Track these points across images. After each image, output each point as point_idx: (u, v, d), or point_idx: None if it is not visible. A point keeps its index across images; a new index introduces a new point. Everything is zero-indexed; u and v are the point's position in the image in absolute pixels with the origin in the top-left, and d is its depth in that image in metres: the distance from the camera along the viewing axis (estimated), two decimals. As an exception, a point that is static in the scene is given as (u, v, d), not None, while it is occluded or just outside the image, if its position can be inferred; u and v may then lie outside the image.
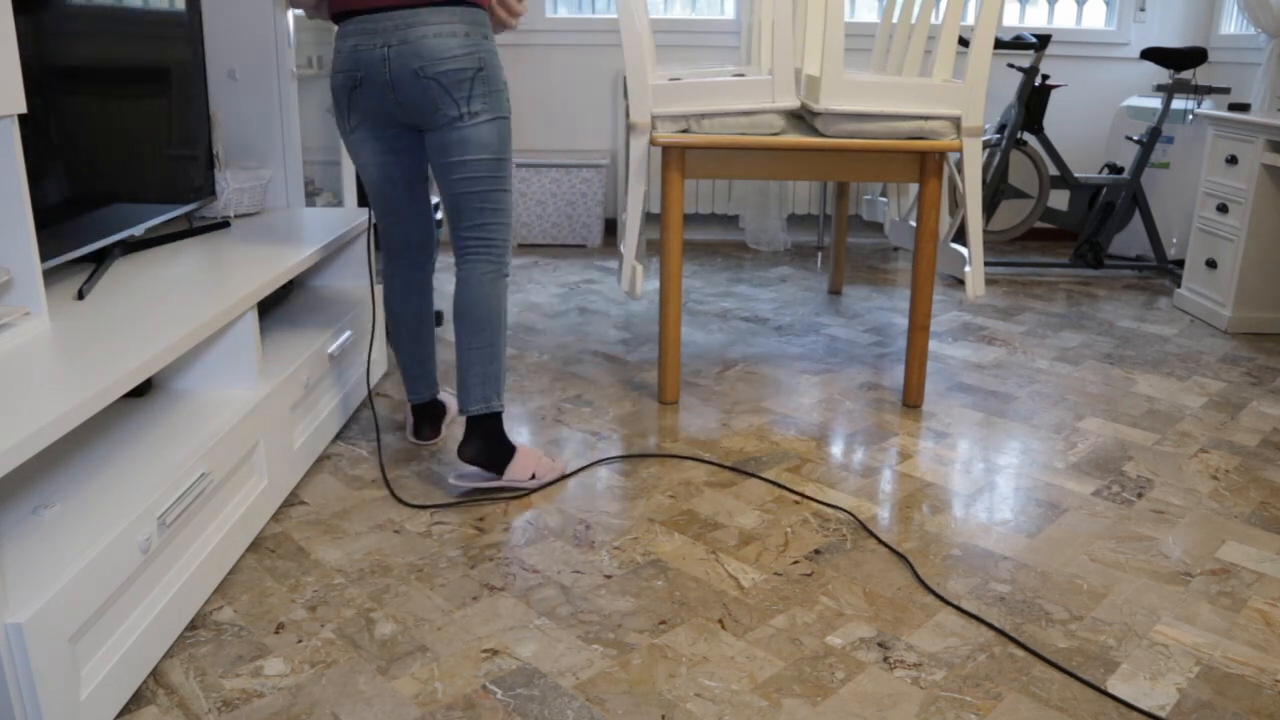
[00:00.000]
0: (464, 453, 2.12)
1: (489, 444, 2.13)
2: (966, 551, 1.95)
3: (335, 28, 2.83)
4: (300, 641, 1.63)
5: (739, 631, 1.68)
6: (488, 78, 2.00)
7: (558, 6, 4.67)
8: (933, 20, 4.13)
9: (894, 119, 2.46)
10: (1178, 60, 3.93)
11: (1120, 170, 4.27)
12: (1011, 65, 4.08)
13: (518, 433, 2.48)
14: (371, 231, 2.40)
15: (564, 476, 2.23)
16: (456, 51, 1.95)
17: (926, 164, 2.53)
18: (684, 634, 1.67)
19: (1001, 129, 4.06)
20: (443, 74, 1.95)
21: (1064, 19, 4.71)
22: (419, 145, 2.13)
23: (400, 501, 2.11)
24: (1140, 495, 2.20)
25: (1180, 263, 4.07)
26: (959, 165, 2.90)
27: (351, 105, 2.04)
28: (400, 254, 2.26)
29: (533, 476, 2.17)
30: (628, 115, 2.59)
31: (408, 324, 2.30)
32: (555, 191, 4.51)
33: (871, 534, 2.01)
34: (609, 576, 1.84)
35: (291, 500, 2.11)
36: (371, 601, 1.75)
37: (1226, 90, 3.88)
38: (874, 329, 3.39)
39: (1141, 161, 4.05)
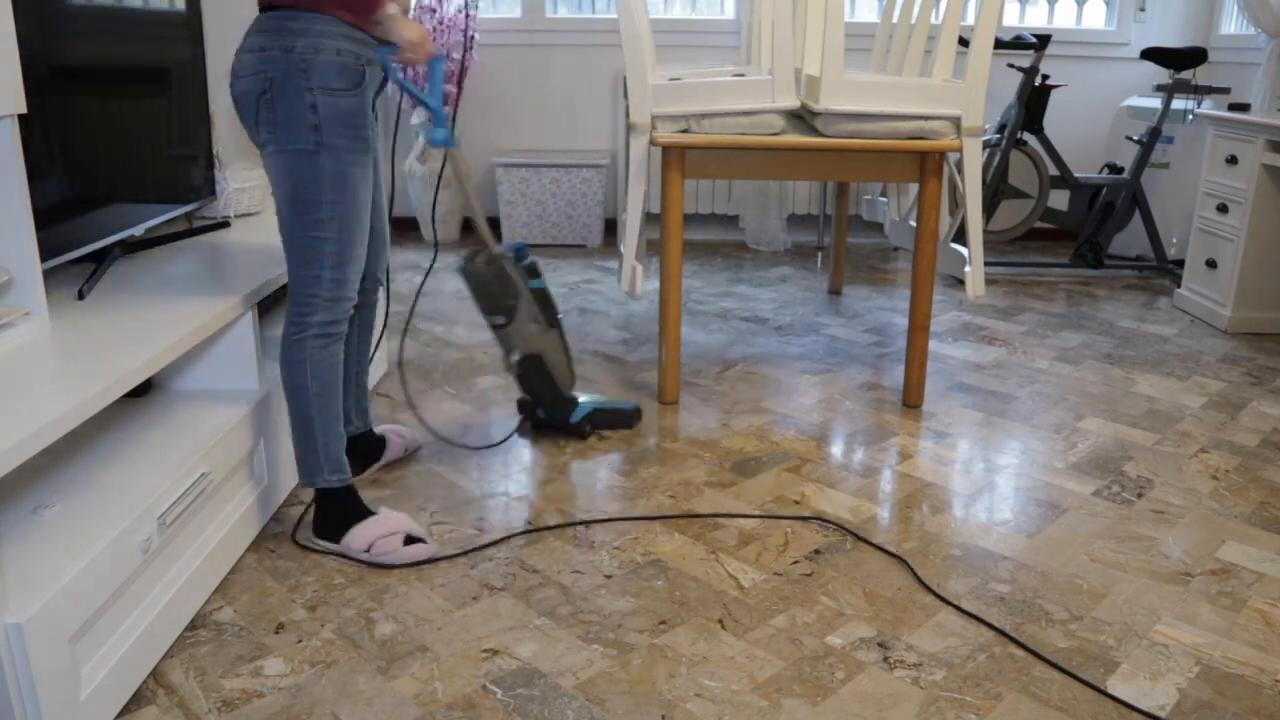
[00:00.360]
0: (314, 527, 1.93)
1: (328, 516, 1.90)
2: (966, 551, 1.95)
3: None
4: (300, 641, 1.63)
5: (739, 631, 1.68)
6: (273, 100, 1.71)
7: (558, 6, 4.67)
8: (933, 20, 4.13)
9: (894, 119, 2.46)
10: (1178, 60, 3.93)
11: (1120, 170, 4.27)
12: (1011, 65, 4.08)
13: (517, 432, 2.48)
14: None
15: (419, 563, 1.89)
16: (245, 71, 1.73)
17: (926, 164, 2.53)
18: (684, 634, 1.67)
19: (1001, 129, 4.06)
20: (236, 95, 1.76)
21: (1064, 19, 4.71)
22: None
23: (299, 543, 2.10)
24: (1140, 495, 2.20)
25: (1180, 263, 4.07)
26: (959, 165, 2.90)
27: None
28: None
29: (368, 549, 1.87)
30: (628, 115, 2.59)
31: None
32: (555, 191, 4.51)
33: (865, 540, 2.01)
34: (609, 576, 1.84)
35: (291, 500, 2.11)
36: (371, 601, 1.75)
37: (1226, 90, 3.88)
38: (874, 329, 3.39)
39: (1141, 161, 4.05)
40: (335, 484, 1.88)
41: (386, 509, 1.94)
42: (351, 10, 1.73)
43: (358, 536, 1.87)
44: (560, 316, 2.36)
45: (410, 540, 1.88)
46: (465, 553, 1.91)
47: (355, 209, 1.80)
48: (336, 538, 1.89)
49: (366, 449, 2.22)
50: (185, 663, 1.57)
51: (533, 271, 2.30)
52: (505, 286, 2.25)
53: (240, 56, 1.74)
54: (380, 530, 1.87)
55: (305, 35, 1.69)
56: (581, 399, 2.47)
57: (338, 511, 1.90)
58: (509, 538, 1.97)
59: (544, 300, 2.32)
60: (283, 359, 1.83)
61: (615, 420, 2.49)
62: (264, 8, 1.74)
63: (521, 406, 2.49)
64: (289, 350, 1.83)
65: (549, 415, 2.43)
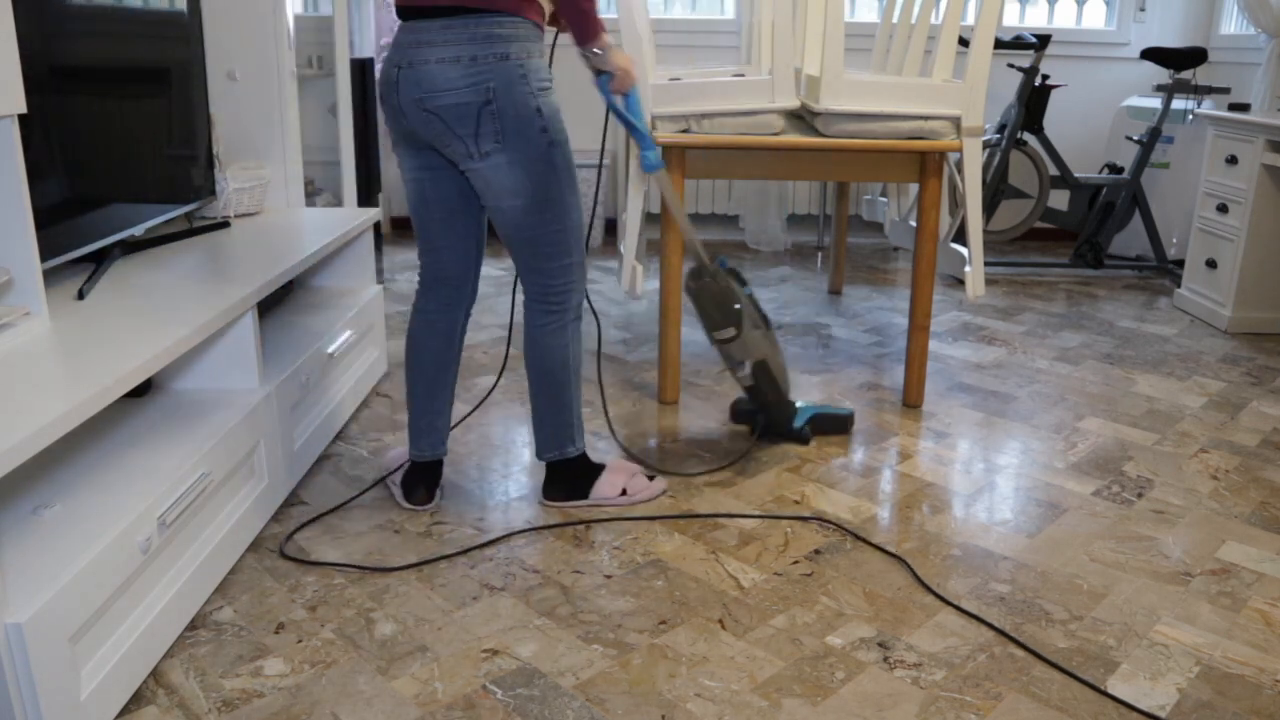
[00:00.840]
0: (549, 494, 2.09)
1: (571, 483, 2.08)
2: (966, 551, 1.95)
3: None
4: (300, 641, 1.63)
5: (739, 631, 1.68)
6: (499, 110, 1.71)
7: (558, 6, 4.67)
8: (933, 20, 4.13)
9: (894, 119, 2.46)
10: (1178, 60, 3.93)
11: (1120, 170, 4.27)
12: (1011, 65, 4.08)
13: (516, 432, 2.48)
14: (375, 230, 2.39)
15: (655, 496, 2.13)
16: (457, 82, 1.69)
17: (926, 164, 2.53)
18: (684, 634, 1.67)
19: (1001, 129, 4.06)
20: (443, 108, 1.72)
21: (1064, 19, 4.71)
22: (444, 166, 1.89)
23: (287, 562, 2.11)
24: (1140, 495, 2.20)
25: (1180, 263, 4.07)
26: (959, 165, 2.90)
27: (386, 118, 1.85)
28: (431, 289, 2.00)
29: (623, 492, 2.09)
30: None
31: (424, 369, 2.02)
32: (555, 191, 4.50)
33: (865, 540, 2.01)
34: (609, 576, 1.84)
35: (291, 500, 2.11)
36: (371, 601, 1.75)
37: (1226, 90, 3.88)
38: (874, 329, 3.39)
39: (1141, 161, 4.05)
40: (576, 452, 2.05)
41: (611, 458, 2.19)
42: (575, 38, 1.85)
43: (608, 485, 2.08)
44: (769, 317, 2.35)
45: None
46: (465, 552, 1.91)
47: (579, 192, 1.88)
48: (586, 493, 2.07)
49: (433, 476, 2.09)
50: (185, 663, 1.57)
51: (739, 278, 2.30)
52: (729, 298, 2.23)
53: (436, 68, 1.68)
54: (624, 475, 2.09)
55: (515, 40, 1.72)
56: (799, 404, 2.47)
57: (581, 471, 2.07)
58: (509, 537, 1.97)
59: (755, 304, 2.32)
60: (541, 348, 1.94)
61: (833, 425, 2.48)
62: (447, 11, 1.68)
63: (739, 416, 2.51)
64: (549, 339, 1.93)
65: (770, 421, 2.42)
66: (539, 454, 2.06)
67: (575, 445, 2.04)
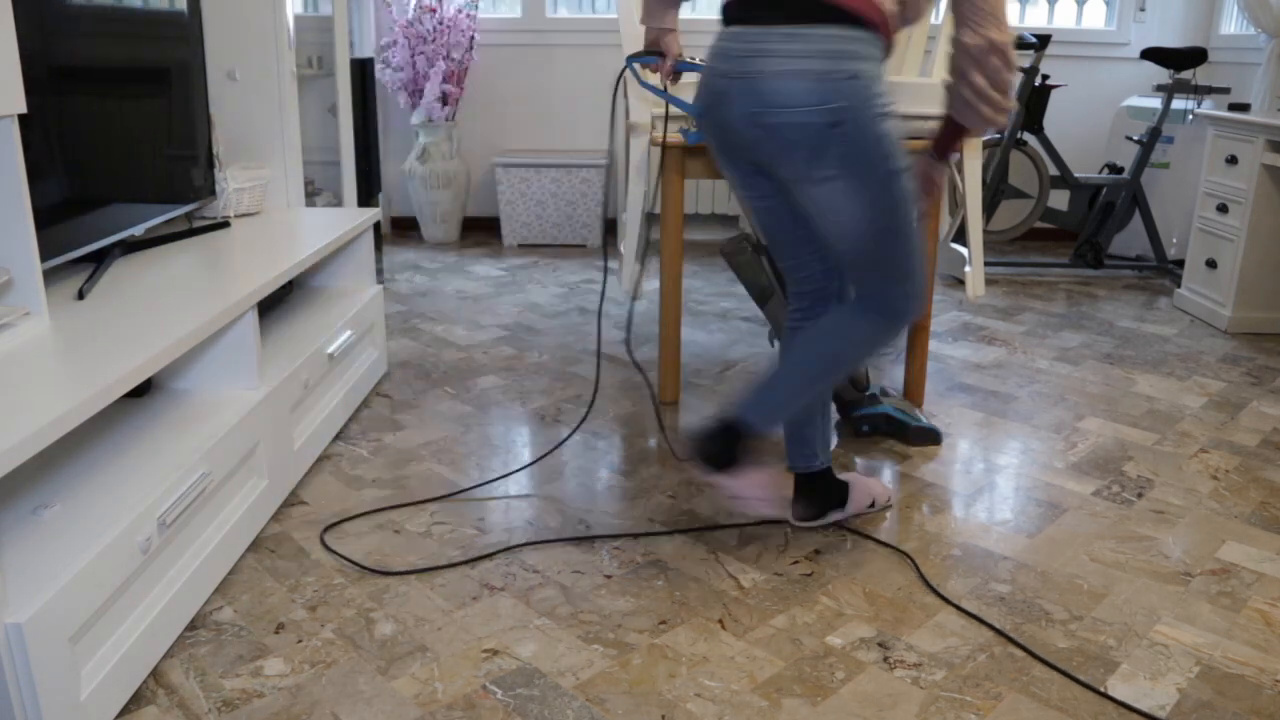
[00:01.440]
0: (795, 513, 1.99)
1: (821, 495, 1.98)
2: (966, 551, 1.95)
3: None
4: (300, 641, 1.63)
5: (739, 631, 1.68)
6: (849, 134, 1.55)
7: (558, 6, 4.67)
8: (933, 20, 4.13)
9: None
10: (1178, 60, 3.93)
11: (1120, 170, 4.27)
12: (1011, 65, 4.07)
13: (516, 432, 2.48)
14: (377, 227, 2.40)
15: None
16: (807, 99, 1.53)
17: (926, 164, 2.53)
18: (684, 634, 1.67)
19: (1001, 129, 4.06)
20: (782, 126, 1.57)
21: (1064, 19, 4.71)
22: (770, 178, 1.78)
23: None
24: (1140, 495, 2.20)
25: (1180, 263, 4.07)
26: (959, 165, 2.90)
27: (704, 133, 1.73)
28: (799, 301, 1.91)
29: (872, 504, 2.05)
30: (628, 115, 2.59)
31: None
32: (555, 191, 4.51)
33: (865, 539, 2.01)
34: (609, 576, 1.84)
35: (291, 500, 2.11)
36: (371, 601, 1.75)
37: (1226, 90, 3.88)
38: (874, 329, 3.39)
39: (1141, 161, 4.05)
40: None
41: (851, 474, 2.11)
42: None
43: (861, 494, 2.03)
44: None
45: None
46: (468, 558, 1.91)
47: None
48: (843, 505, 2.00)
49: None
50: (185, 663, 1.57)
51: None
52: (754, 275, 2.37)
53: (779, 82, 1.54)
54: (868, 484, 2.05)
55: (865, 59, 1.55)
56: (884, 401, 2.48)
57: (833, 484, 2.00)
58: (509, 537, 1.97)
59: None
60: (843, 358, 1.78)
61: (899, 432, 2.45)
62: (794, 19, 1.52)
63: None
64: (856, 350, 1.77)
65: (836, 400, 2.47)
66: (793, 463, 1.95)
67: (830, 456, 1.95)
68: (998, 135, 4.06)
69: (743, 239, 2.38)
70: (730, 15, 1.62)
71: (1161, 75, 4.68)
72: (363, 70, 3.70)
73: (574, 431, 2.45)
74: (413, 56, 4.36)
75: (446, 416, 2.57)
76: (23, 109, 1.55)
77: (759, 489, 1.82)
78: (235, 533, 1.81)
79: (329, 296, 2.66)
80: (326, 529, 1.98)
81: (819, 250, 1.84)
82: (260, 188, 2.70)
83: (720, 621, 1.71)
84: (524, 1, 4.60)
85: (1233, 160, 3.38)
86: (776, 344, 2.51)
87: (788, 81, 1.53)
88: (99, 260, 2.10)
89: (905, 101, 2.46)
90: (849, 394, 2.46)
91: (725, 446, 1.79)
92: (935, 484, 2.24)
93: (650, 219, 4.09)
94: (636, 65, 1.96)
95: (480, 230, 4.93)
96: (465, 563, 1.88)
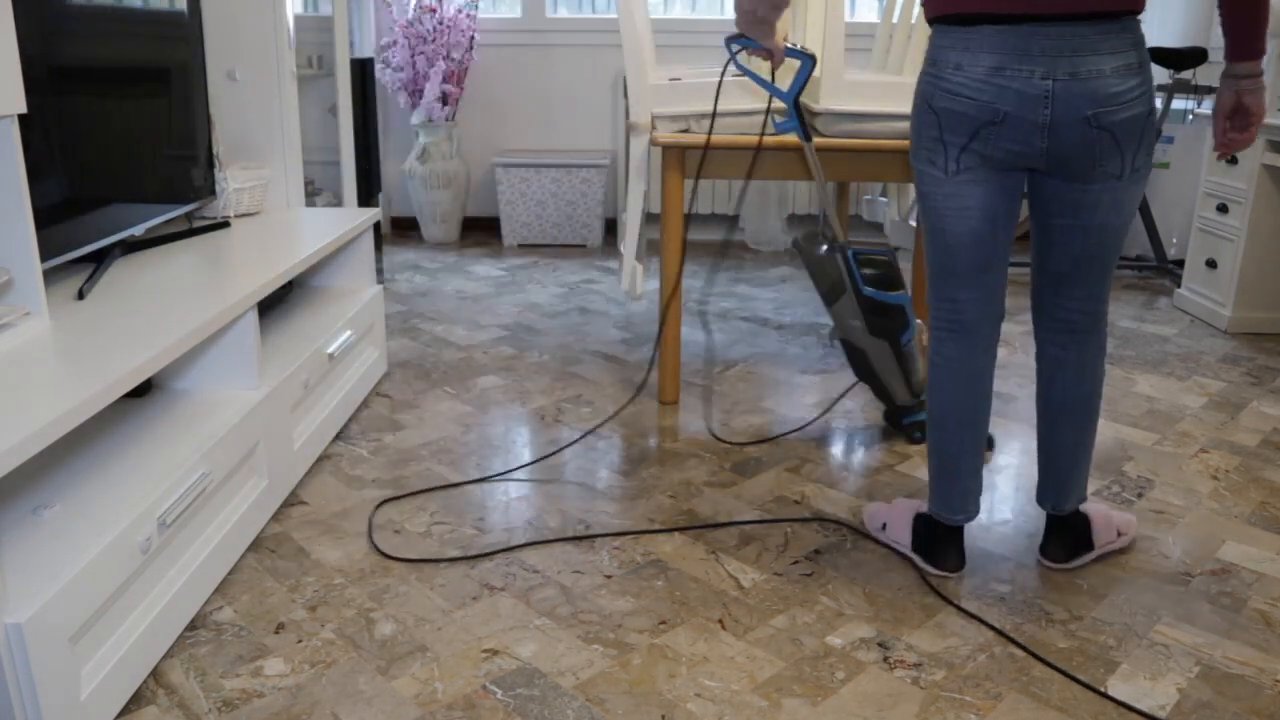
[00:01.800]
0: (1054, 555, 1.88)
1: (1078, 533, 1.89)
2: (966, 551, 1.94)
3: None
4: (300, 641, 1.63)
5: (739, 631, 1.68)
6: (1155, 121, 1.59)
7: (558, 6, 4.67)
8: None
9: (894, 119, 2.46)
10: (1178, 60, 3.93)
11: (1120, 170, 4.26)
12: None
13: (516, 432, 2.48)
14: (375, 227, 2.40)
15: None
16: (1136, 93, 1.54)
17: (926, 164, 2.53)
18: (684, 634, 1.67)
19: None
20: (1119, 124, 1.54)
21: (1064, 19, 4.70)
22: (1022, 187, 1.71)
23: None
24: (1140, 495, 2.20)
25: (1180, 263, 4.07)
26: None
27: (974, 143, 1.61)
28: (975, 330, 1.79)
29: (1119, 534, 1.93)
30: (628, 115, 2.59)
31: (967, 420, 1.80)
32: (555, 191, 4.51)
33: (866, 539, 2.01)
34: (609, 576, 1.84)
35: (291, 500, 2.11)
36: (371, 601, 1.75)
37: (1226, 90, 3.88)
38: (874, 329, 3.39)
39: (1141, 161, 4.05)
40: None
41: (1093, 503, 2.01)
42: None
43: (1105, 530, 1.91)
44: (904, 338, 2.34)
45: None
46: (467, 557, 1.91)
47: None
48: (1091, 545, 1.90)
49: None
50: (185, 663, 1.57)
51: (878, 281, 2.31)
52: (825, 271, 2.34)
53: (1113, 79, 1.52)
54: (1112, 519, 1.94)
55: (1145, 44, 1.58)
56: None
57: (1083, 520, 1.91)
58: (509, 537, 1.97)
59: (876, 310, 2.32)
60: (1098, 381, 1.79)
61: None
62: (1106, 15, 1.51)
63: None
64: (1103, 369, 1.79)
65: (884, 402, 2.49)
66: (1066, 504, 1.86)
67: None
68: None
69: (819, 233, 2.38)
70: (1013, 12, 1.52)
71: (1161, 75, 4.68)
72: (363, 70, 3.70)
73: (583, 436, 2.45)
74: (413, 56, 4.36)
75: (446, 416, 2.57)
76: (23, 109, 1.55)
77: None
78: (235, 533, 1.81)
79: (329, 296, 2.66)
80: (379, 505, 1.99)
81: (1002, 276, 1.77)
82: (260, 188, 2.70)
83: (720, 621, 1.71)
84: (524, 1, 4.60)
85: (1233, 160, 3.38)
86: (835, 342, 2.54)
87: (1124, 77, 1.53)
88: (99, 260, 2.10)
89: (906, 102, 2.46)
90: (903, 399, 2.42)
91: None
92: (935, 484, 2.24)
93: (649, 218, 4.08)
94: (734, 47, 2.02)
95: (480, 230, 4.93)
96: (465, 559, 1.88)
